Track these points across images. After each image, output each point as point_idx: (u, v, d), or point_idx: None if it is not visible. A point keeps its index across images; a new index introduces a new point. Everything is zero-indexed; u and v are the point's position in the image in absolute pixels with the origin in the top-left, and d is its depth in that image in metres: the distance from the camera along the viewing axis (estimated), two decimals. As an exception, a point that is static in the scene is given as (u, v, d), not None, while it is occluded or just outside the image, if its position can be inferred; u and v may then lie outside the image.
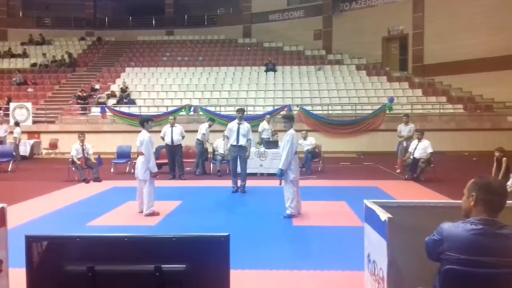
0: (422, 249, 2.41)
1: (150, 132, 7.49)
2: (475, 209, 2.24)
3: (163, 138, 11.36)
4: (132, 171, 11.39)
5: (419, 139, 10.93)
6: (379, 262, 2.89)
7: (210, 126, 12.30)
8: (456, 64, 20.66)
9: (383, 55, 24.69)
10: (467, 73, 20.23)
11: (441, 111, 18.30)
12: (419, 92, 20.05)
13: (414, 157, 10.79)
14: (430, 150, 10.67)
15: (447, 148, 15.94)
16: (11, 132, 15.87)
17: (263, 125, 13.31)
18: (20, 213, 7.18)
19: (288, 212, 6.99)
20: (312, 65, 23.41)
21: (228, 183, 9.58)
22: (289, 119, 7.33)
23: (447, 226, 2.26)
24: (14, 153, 14.04)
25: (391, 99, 18.30)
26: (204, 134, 12.02)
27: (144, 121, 7.56)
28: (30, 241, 1.70)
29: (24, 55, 26.58)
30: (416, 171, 10.64)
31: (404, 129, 12.35)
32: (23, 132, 16.74)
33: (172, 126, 11.38)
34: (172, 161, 11.35)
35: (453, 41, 20.81)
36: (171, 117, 12.70)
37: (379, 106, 18.00)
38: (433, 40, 22.03)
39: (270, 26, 28.22)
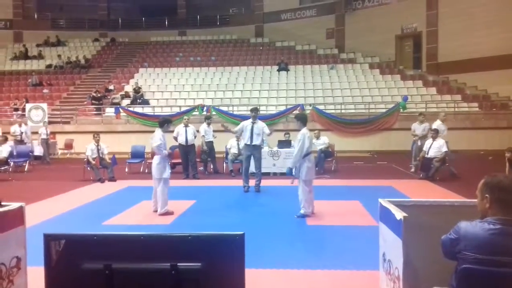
0: (437, 248, 2.39)
1: (165, 132, 7.57)
2: (491, 210, 2.23)
3: (175, 139, 11.40)
4: (147, 170, 11.50)
5: (434, 138, 10.82)
6: (395, 261, 2.87)
7: (209, 124, 12.09)
8: (471, 62, 20.36)
9: (396, 54, 24.46)
10: (482, 71, 19.90)
11: (456, 109, 18.08)
12: (433, 90, 19.84)
13: (427, 156, 10.70)
14: (444, 149, 10.56)
15: (462, 147, 15.73)
16: (35, 132, 16.11)
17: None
18: (37, 212, 7.29)
19: (302, 211, 6.97)
20: (325, 64, 23.31)
21: (241, 182, 9.52)
22: (301, 119, 7.29)
23: (464, 225, 2.25)
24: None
25: (405, 98, 18.13)
26: (203, 136, 11.81)
27: (165, 122, 7.68)
28: (49, 239, 1.73)
29: (40, 56, 26.94)
30: (429, 170, 10.53)
31: (418, 128, 12.25)
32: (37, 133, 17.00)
33: (186, 126, 11.45)
34: (185, 161, 11.41)
35: (468, 39, 20.52)
36: (185, 117, 12.74)
37: (393, 105, 17.86)
38: (447, 37, 21.75)
39: (282, 25, 28.17)
